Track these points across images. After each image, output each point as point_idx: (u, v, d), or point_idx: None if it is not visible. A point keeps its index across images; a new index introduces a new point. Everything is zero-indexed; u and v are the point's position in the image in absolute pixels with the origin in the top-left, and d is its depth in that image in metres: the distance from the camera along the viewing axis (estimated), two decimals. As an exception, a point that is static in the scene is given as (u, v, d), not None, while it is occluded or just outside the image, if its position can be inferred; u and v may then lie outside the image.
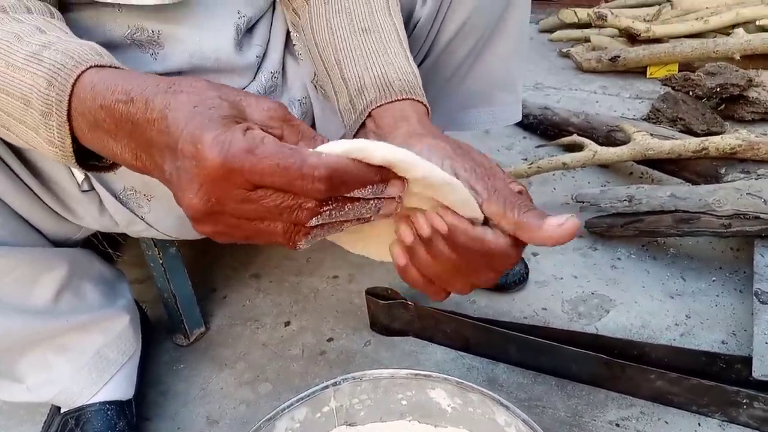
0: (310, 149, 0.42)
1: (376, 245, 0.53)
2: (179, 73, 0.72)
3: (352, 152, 0.42)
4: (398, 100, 0.56)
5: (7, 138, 0.53)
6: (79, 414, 0.80)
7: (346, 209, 0.44)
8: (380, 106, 0.57)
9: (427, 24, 0.81)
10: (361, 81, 0.59)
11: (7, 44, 0.48)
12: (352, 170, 0.42)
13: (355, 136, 0.59)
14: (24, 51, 0.47)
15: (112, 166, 0.52)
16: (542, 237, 0.45)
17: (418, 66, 0.87)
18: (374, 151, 0.42)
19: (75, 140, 0.48)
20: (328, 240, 0.49)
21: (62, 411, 0.82)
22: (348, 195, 0.43)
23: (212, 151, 0.39)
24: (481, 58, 0.89)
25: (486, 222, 0.48)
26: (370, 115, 0.58)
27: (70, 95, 0.45)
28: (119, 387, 0.83)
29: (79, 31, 0.65)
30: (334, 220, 0.44)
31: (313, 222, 0.43)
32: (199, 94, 0.43)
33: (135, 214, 0.74)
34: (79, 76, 0.45)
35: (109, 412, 0.80)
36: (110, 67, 0.47)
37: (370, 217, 0.46)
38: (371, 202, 0.45)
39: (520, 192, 0.49)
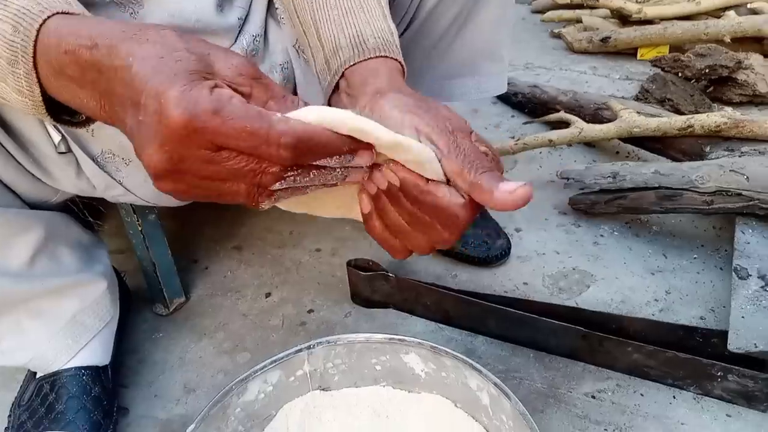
0: (279, 114, 0.40)
1: (329, 201, 0.52)
2: None
3: (321, 121, 0.41)
4: (371, 58, 0.55)
5: None
6: (54, 379, 0.79)
7: (312, 176, 0.43)
8: (353, 65, 0.56)
9: None
10: (336, 41, 0.58)
11: None
12: (320, 139, 0.41)
13: (330, 97, 0.58)
14: None
15: (86, 122, 0.51)
16: (493, 201, 0.44)
17: (402, 34, 0.86)
18: (343, 122, 0.41)
19: (44, 90, 0.46)
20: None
21: (37, 376, 0.81)
22: (314, 163, 0.43)
23: (176, 109, 0.38)
24: (466, 26, 0.88)
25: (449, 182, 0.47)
26: (343, 75, 0.57)
27: (35, 41, 0.44)
28: (95, 353, 0.82)
29: None
30: (298, 185, 0.44)
31: (277, 186, 0.42)
32: (165, 45, 0.41)
33: (113, 177, 0.73)
34: (44, 22, 0.44)
35: (84, 378, 0.79)
36: (77, 14, 0.46)
37: (336, 183, 0.46)
38: (338, 170, 0.44)
39: (485, 153, 0.48)
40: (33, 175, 0.71)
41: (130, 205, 0.89)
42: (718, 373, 0.79)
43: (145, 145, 0.40)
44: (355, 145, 0.44)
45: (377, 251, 1.11)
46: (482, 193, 0.45)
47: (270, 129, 0.39)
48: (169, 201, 0.81)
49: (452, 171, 0.46)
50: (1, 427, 0.81)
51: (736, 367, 0.78)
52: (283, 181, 0.42)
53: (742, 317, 0.82)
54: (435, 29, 0.85)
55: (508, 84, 1.54)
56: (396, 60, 0.57)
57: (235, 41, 0.75)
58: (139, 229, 0.91)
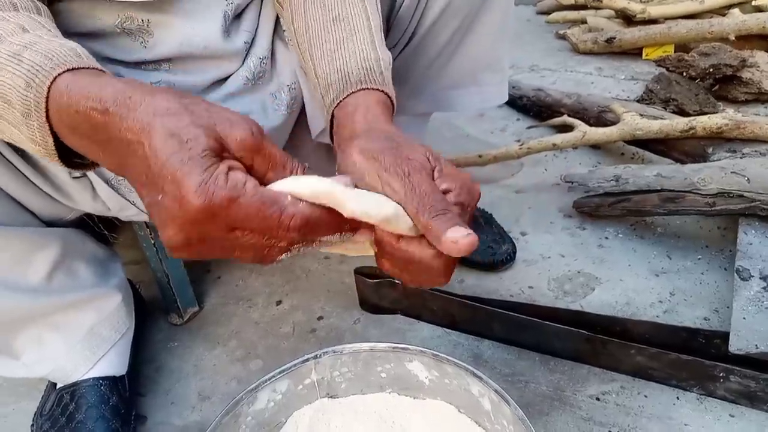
0: (289, 197, 0.43)
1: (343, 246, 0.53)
2: (169, 60, 0.73)
3: (320, 196, 0.43)
4: (353, 92, 0.57)
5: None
6: (73, 389, 0.82)
7: (315, 245, 0.46)
8: (340, 102, 0.58)
9: (411, 6, 0.82)
10: (328, 78, 0.60)
11: None
12: (325, 221, 0.44)
13: (331, 132, 0.60)
14: (5, 51, 0.48)
15: (95, 164, 0.53)
16: (441, 247, 0.45)
17: (403, 49, 0.88)
18: (344, 204, 0.44)
19: (57, 138, 0.48)
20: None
21: (58, 387, 0.84)
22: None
23: (196, 199, 0.40)
24: (466, 38, 0.90)
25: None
26: (334, 113, 0.59)
27: (47, 97, 0.46)
28: (112, 363, 0.85)
29: (70, 20, 0.67)
30: (304, 252, 0.47)
31: (283, 256, 0.46)
32: (175, 119, 0.43)
33: (126, 199, 0.76)
34: (55, 78, 0.46)
35: (102, 387, 0.82)
36: (88, 68, 0.48)
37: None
38: (344, 233, 0.47)
39: (446, 191, 0.49)
40: (50, 196, 0.74)
41: (144, 220, 0.91)
42: (721, 374, 0.80)
43: (164, 224, 0.43)
44: (356, 224, 0.46)
45: (385, 258, 1.13)
46: (433, 239, 0.46)
47: (281, 214, 0.42)
48: None
49: (411, 214, 0.47)
50: (25, 436, 0.84)
51: (738, 368, 0.79)
52: (288, 252, 0.45)
53: (744, 318, 0.83)
54: (436, 43, 0.87)
55: (513, 87, 1.57)
56: (378, 90, 0.58)
57: (242, 64, 0.77)
58: (152, 242, 0.94)
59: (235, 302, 1.06)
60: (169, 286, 0.99)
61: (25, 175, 0.69)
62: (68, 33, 0.68)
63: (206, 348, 0.98)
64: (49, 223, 0.76)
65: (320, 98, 0.62)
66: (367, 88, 0.58)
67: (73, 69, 0.47)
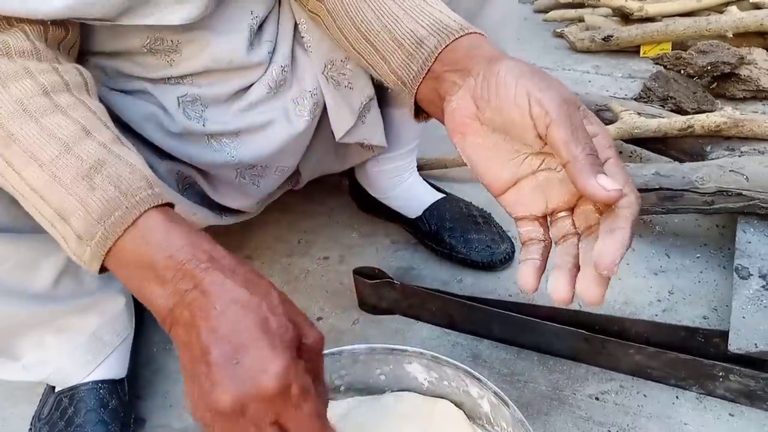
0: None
1: None
2: (192, 75, 0.75)
3: None
4: (462, 35, 0.56)
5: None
6: (72, 393, 0.82)
7: None
8: (446, 46, 0.56)
9: None
10: (415, 34, 0.58)
11: (56, 155, 0.52)
12: None
13: (419, 86, 0.58)
14: (73, 167, 0.51)
15: None
16: (586, 185, 0.45)
17: None
18: None
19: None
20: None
21: (56, 390, 0.84)
22: None
23: (277, 379, 0.43)
24: None
25: None
26: (435, 59, 0.57)
27: (119, 237, 0.49)
28: (112, 367, 0.85)
29: (93, 39, 0.68)
30: None
31: None
32: (270, 304, 0.47)
33: None
34: (135, 221, 0.49)
35: (101, 391, 0.82)
36: (160, 208, 0.51)
37: None
38: None
39: (593, 134, 0.48)
40: None
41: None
42: (720, 374, 0.80)
43: (224, 387, 0.43)
44: None
45: (383, 259, 1.13)
46: (579, 173, 0.45)
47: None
48: None
49: (559, 139, 0.46)
50: (23, 439, 0.84)
51: (737, 367, 0.79)
52: None
53: (743, 317, 0.83)
54: None
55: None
56: (482, 35, 0.57)
57: (265, 73, 0.79)
58: (151, 244, 0.94)
59: (234, 304, 1.06)
60: (167, 288, 0.98)
61: None
62: (91, 52, 0.69)
63: (205, 350, 0.98)
64: None
65: (403, 59, 0.59)
66: (476, 32, 0.56)
67: (153, 208, 0.50)
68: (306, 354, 0.47)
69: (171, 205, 0.53)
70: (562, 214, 0.52)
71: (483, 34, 0.57)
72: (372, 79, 0.85)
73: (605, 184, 0.45)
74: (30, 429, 0.84)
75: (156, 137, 0.77)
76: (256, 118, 0.80)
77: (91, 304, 0.80)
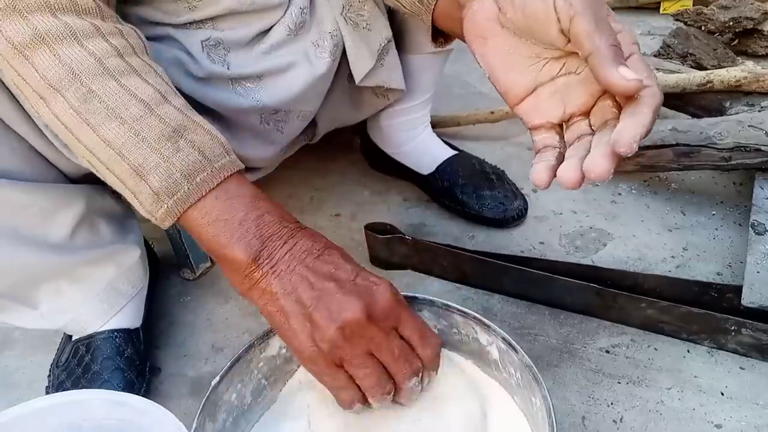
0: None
1: None
2: (213, 19, 0.76)
3: None
4: None
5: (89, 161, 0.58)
6: (89, 341, 0.84)
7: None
8: None
9: None
10: None
11: (140, 114, 0.54)
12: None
13: (434, 13, 0.62)
14: (157, 128, 0.54)
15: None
16: (607, 75, 0.44)
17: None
18: None
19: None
20: None
21: (73, 339, 0.86)
22: None
23: (390, 292, 0.56)
24: None
25: None
26: None
27: (202, 196, 0.54)
28: (128, 316, 0.86)
29: None
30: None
31: (409, 384, 0.58)
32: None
33: None
34: (220, 183, 0.55)
35: (117, 339, 0.84)
36: (236, 175, 0.57)
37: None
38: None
39: (618, 32, 0.48)
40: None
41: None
42: (732, 328, 0.80)
43: (349, 302, 0.54)
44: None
45: (395, 215, 1.13)
46: (601, 64, 0.45)
47: (426, 327, 0.59)
48: None
49: (582, 30, 0.46)
50: (42, 386, 0.86)
51: (750, 321, 0.78)
52: (414, 380, 0.59)
53: (758, 272, 0.83)
54: None
55: (527, 44, 1.53)
56: None
57: (284, 14, 0.79)
58: (164, 197, 0.94)
59: (247, 258, 1.07)
60: (181, 243, 0.99)
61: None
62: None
63: (218, 302, 0.99)
64: (75, 180, 0.77)
65: None
66: None
67: (237, 173, 0.57)
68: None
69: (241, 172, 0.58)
70: (579, 118, 0.52)
71: None
72: (389, 21, 0.86)
73: (626, 74, 0.44)
74: (49, 376, 0.86)
75: (182, 82, 0.77)
76: (277, 61, 0.80)
77: (107, 255, 0.81)
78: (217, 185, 0.54)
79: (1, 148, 0.65)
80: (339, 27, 0.82)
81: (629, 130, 0.44)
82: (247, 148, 0.86)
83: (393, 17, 0.91)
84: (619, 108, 0.48)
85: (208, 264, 1.05)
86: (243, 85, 0.80)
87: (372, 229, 0.99)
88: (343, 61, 0.86)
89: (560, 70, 0.52)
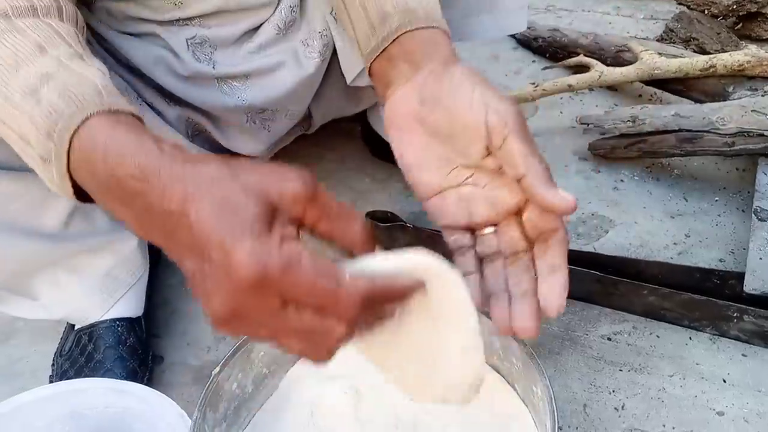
0: (347, 273, 0.40)
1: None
2: (201, 15, 0.73)
3: (399, 269, 0.44)
4: (424, 27, 0.55)
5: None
6: (91, 330, 0.84)
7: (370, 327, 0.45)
8: (405, 32, 0.55)
9: None
10: (382, 8, 0.57)
11: (4, 74, 0.47)
12: (385, 293, 0.43)
13: (373, 62, 0.58)
14: (21, 85, 0.46)
15: None
16: (544, 197, 0.47)
17: None
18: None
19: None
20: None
21: (76, 328, 0.86)
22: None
23: (246, 267, 0.37)
24: None
25: None
26: (393, 41, 0.56)
27: (69, 149, 0.44)
28: (129, 305, 0.86)
29: None
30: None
31: (336, 347, 0.42)
32: (222, 187, 0.39)
33: None
34: (77, 129, 0.43)
35: (119, 329, 0.84)
36: (112, 112, 0.45)
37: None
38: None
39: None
40: None
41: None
42: (734, 314, 0.80)
43: (209, 295, 0.39)
44: (408, 291, 0.46)
45: (396, 203, 1.12)
46: (539, 184, 0.47)
47: (337, 287, 0.38)
48: None
49: (518, 150, 0.47)
50: (46, 375, 0.86)
51: (752, 308, 0.78)
52: (342, 342, 0.41)
53: (760, 259, 0.83)
54: None
55: (529, 28, 1.52)
56: (446, 33, 0.56)
57: (274, 12, 0.78)
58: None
59: (248, 247, 1.07)
60: (182, 231, 0.99)
61: None
62: None
63: (220, 291, 0.99)
64: None
65: (366, 29, 0.58)
66: (438, 28, 0.56)
67: (98, 114, 0.44)
68: (296, 206, 0.41)
69: (136, 117, 0.47)
70: (488, 230, 0.53)
71: (447, 32, 0.57)
72: None
73: (565, 196, 0.47)
74: (52, 365, 0.86)
75: (166, 81, 0.77)
76: (265, 61, 0.80)
77: (103, 244, 0.81)
78: (76, 130, 0.44)
79: None
80: (329, 26, 0.80)
81: (556, 296, 0.49)
82: (235, 143, 0.86)
83: None
84: (527, 238, 0.51)
85: (210, 253, 1.05)
86: (229, 83, 0.79)
87: (373, 217, 0.99)
88: (336, 57, 0.84)
89: (467, 178, 0.52)
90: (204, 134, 0.85)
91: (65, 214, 0.74)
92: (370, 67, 0.58)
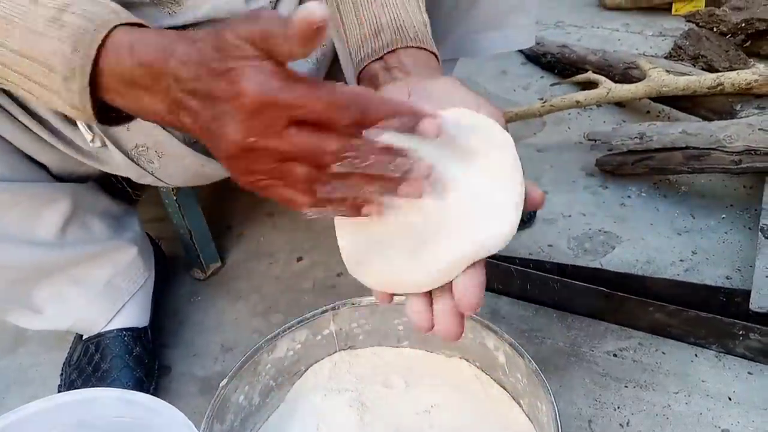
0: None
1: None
2: (194, 25, 0.74)
3: None
4: (413, 47, 0.58)
5: (30, 100, 0.57)
6: (98, 340, 0.85)
7: (371, 159, 0.44)
8: (394, 50, 0.57)
9: None
10: (377, 21, 0.59)
11: (24, 9, 0.50)
12: (379, 98, 0.44)
13: (361, 73, 0.60)
14: (43, 16, 0.49)
15: (126, 120, 0.54)
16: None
17: None
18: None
19: (96, 101, 0.49)
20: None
21: (84, 338, 0.87)
22: (376, 143, 0.44)
23: (250, 89, 0.41)
24: None
25: None
26: (382, 57, 0.58)
27: (96, 58, 0.47)
28: (133, 315, 0.87)
29: None
30: (357, 170, 0.44)
31: (336, 168, 0.43)
32: (218, 38, 0.44)
33: (145, 170, 0.78)
34: (105, 38, 0.47)
35: (125, 338, 0.85)
36: (132, 24, 0.49)
37: (396, 184, 0.46)
38: (398, 159, 0.45)
39: None
40: (64, 152, 0.74)
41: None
42: (740, 332, 0.80)
43: (223, 130, 0.43)
44: (418, 110, 0.45)
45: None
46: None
47: (333, 89, 0.41)
48: (199, 182, 0.85)
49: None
50: (56, 383, 0.87)
51: (758, 326, 0.78)
52: (342, 163, 0.43)
53: (766, 277, 0.82)
54: None
55: (537, 44, 1.54)
56: (434, 54, 0.59)
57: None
58: (174, 199, 0.95)
59: (257, 258, 1.08)
60: (191, 242, 1.00)
61: (38, 134, 0.70)
62: None
63: (228, 302, 1.00)
64: (62, 179, 0.78)
65: (358, 39, 0.61)
66: (427, 49, 0.58)
67: (122, 25, 0.48)
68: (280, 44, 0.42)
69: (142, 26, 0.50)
70: None
71: (436, 54, 0.59)
72: None
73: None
74: (61, 374, 0.87)
75: None
76: None
77: (102, 253, 0.83)
78: (104, 42, 0.47)
79: None
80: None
81: (471, 295, 0.47)
82: None
83: None
84: None
85: (219, 264, 1.06)
86: None
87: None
88: (334, 70, 0.85)
89: None
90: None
91: (60, 222, 0.76)
92: (360, 74, 0.60)
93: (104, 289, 0.83)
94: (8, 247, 0.71)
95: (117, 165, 0.77)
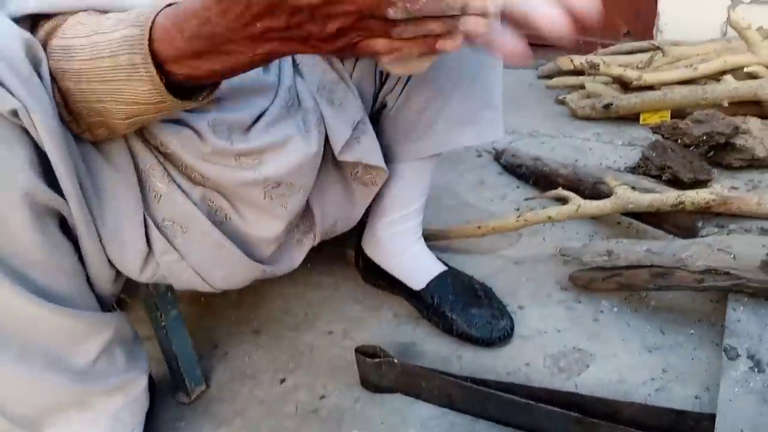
0: None
1: None
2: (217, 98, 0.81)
3: None
4: None
5: (102, 112, 0.65)
6: None
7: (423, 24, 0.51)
8: None
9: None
10: None
11: (95, 21, 0.64)
12: None
13: None
14: (108, 21, 0.62)
15: (208, 94, 0.66)
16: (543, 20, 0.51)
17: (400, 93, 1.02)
18: None
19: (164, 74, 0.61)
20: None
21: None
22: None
23: None
24: (455, 90, 1.01)
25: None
26: None
27: (151, 29, 0.59)
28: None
29: None
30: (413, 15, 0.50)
31: (392, 13, 0.50)
32: None
33: (170, 243, 0.82)
34: (155, 17, 0.59)
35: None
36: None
37: (454, 29, 0.51)
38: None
39: None
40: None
41: (154, 302, 0.97)
42: (709, 458, 0.82)
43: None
44: None
45: (386, 334, 1.17)
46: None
47: None
48: (213, 278, 0.88)
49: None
50: None
51: (725, 452, 0.81)
52: (395, 10, 0.50)
53: (730, 400, 0.86)
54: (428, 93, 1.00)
55: (513, 155, 1.62)
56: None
57: (276, 95, 0.87)
58: (162, 324, 0.99)
59: (241, 380, 1.10)
60: (177, 367, 1.03)
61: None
62: None
63: (212, 428, 1.01)
64: (105, 307, 0.81)
65: None
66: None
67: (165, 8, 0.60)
68: None
69: None
70: None
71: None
72: (362, 104, 0.98)
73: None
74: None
75: (190, 160, 0.81)
76: (276, 135, 0.86)
77: (118, 385, 0.84)
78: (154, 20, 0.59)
79: (50, 267, 0.70)
80: (317, 103, 0.91)
81: None
82: (256, 224, 0.90)
83: (382, 129, 1.04)
84: None
85: (203, 387, 1.08)
86: (246, 160, 0.84)
87: (362, 352, 1.03)
88: (327, 146, 0.93)
89: None
90: (226, 222, 0.89)
91: (98, 352, 0.78)
92: None
93: (109, 419, 0.84)
94: (45, 370, 0.73)
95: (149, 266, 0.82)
